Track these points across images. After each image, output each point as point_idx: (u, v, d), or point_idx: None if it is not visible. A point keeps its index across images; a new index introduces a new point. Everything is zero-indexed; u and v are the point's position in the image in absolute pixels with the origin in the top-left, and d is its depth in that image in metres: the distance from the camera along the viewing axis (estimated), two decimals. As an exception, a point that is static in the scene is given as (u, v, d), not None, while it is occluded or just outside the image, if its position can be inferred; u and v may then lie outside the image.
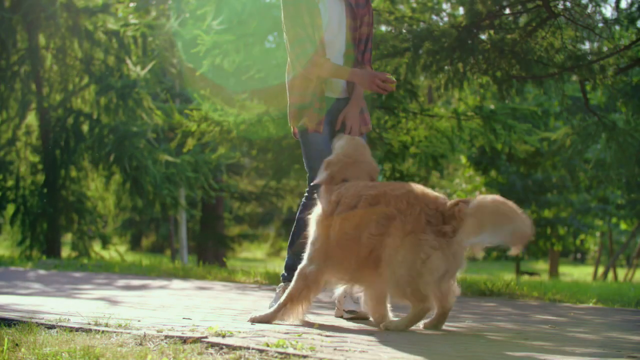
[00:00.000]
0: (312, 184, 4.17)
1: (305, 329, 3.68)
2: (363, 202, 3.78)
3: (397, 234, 3.66)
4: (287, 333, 3.50)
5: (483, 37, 7.46)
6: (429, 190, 3.76)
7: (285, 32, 4.43)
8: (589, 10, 6.98)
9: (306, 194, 4.47)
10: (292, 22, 4.34)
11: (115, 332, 3.37)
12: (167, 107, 14.33)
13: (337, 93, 4.49)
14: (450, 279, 3.73)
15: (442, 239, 3.62)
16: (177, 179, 14.10)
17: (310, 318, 4.30)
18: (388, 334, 3.61)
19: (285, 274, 4.47)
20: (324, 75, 4.33)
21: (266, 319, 3.87)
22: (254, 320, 3.89)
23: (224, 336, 3.27)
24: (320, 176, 3.99)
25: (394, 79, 4.24)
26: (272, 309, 3.92)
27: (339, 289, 3.99)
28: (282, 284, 4.46)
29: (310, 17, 4.33)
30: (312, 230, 3.94)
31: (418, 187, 3.79)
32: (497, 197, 3.68)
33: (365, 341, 3.32)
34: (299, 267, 3.91)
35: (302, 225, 4.38)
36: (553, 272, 23.72)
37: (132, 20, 14.14)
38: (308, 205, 4.38)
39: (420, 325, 3.87)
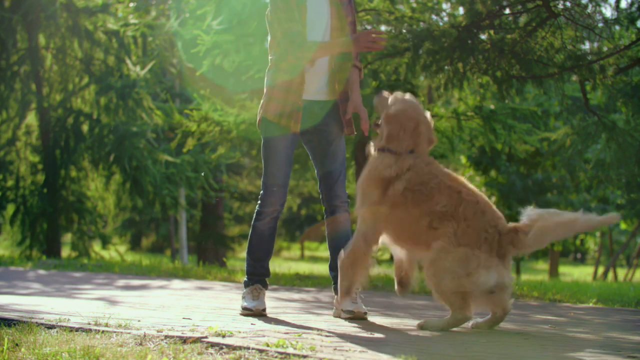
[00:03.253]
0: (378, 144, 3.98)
1: (305, 329, 3.68)
2: (434, 185, 3.79)
3: (452, 238, 3.69)
4: (287, 333, 3.50)
5: (483, 37, 7.45)
6: (495, 208, 3.80)
7: (271, 25, 4.33)
8: (589, 10, 6.98)
9: (260, 202, 4.42)
10: (285, 15, 4.25)
11: (115, 332, 3.37)
12: (167, 107, 14.33)
13: (312, 95, 4.37)
14: (501, 292, 3.74)
15: (494, 259, 3.67)
16: (177, 179, 14.09)
17: (310, 318, 4.31)
18: (388, 334, 3.61)
19: (247, 280, 4.51)
20: (318, 56, 4.24)
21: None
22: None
23: (224, 336, 3.27)
24: (390, 135, 3.90)
25: (382, 30, 4.15)
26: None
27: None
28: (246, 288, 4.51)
29: (299, 14, 4.28)
30: (370, 188, 3.91)
31: (488, 202, 3.82)
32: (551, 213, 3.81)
33: (365, 341, 3.32)
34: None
35: (258, 232, 4.42)
36: (553, 272, 23.71)
37: (132, 20, 14.12)
38: (261, 214, 4.40)
39: (469, 324, 3.90)
